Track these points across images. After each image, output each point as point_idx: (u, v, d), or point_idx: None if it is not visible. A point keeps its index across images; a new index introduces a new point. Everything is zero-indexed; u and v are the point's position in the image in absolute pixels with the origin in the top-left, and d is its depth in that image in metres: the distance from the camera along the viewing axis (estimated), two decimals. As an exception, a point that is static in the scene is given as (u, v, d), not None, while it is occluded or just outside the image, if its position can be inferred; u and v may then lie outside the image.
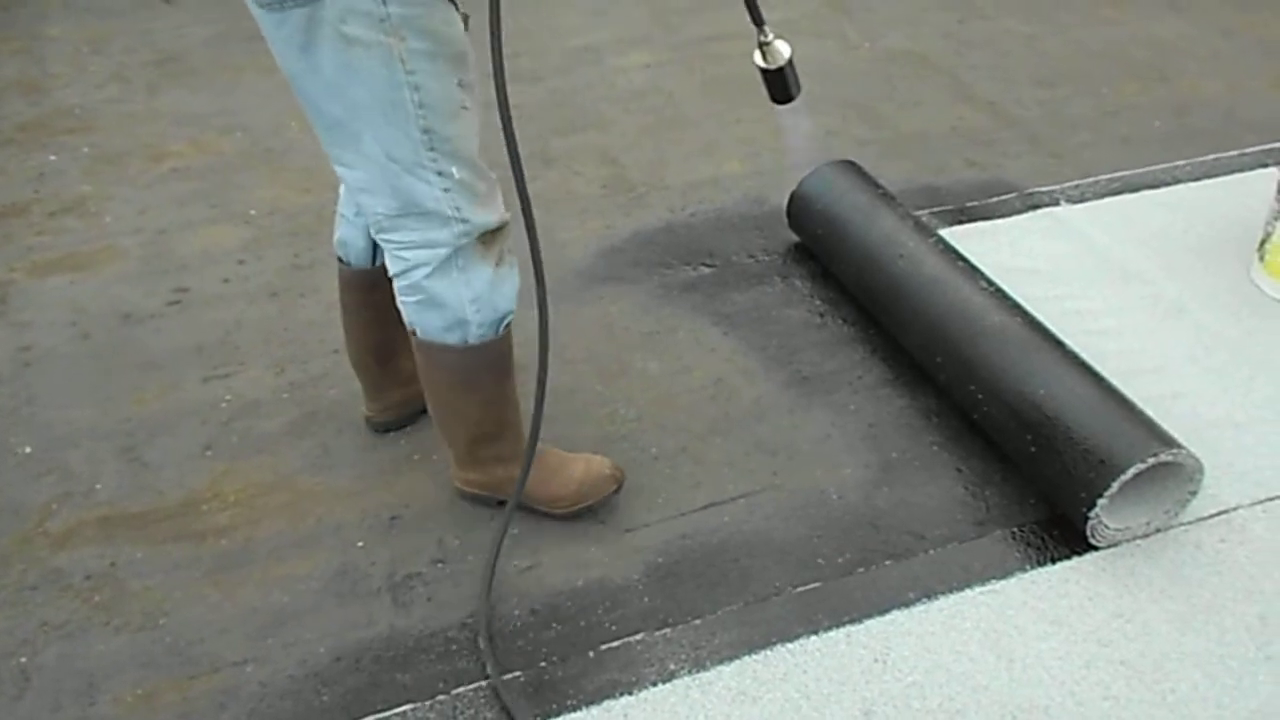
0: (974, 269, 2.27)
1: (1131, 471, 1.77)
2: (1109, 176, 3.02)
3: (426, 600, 1.82)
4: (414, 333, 1.76)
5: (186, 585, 1.86)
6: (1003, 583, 1.82)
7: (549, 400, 2.19)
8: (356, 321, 2.03)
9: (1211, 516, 1.93)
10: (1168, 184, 2.99)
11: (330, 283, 2.60)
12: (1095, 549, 1.87)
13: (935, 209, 2.88)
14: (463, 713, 1.64)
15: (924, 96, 3.56)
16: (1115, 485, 1.77)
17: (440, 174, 1.55)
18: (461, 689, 1.67)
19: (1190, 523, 1.92)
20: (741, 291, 2.57)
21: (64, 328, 2.49)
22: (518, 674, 1.69)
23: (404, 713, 1.64)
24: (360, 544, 1.93)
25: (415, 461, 2.10)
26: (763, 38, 1.77)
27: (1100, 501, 1.78)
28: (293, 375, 2.32)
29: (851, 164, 2.64)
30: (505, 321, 1.74)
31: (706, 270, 2.66)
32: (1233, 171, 3.04)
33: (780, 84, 1.83)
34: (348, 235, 1.90)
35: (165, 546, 1.94)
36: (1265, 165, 2.98)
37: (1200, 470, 1.83)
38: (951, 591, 1.81)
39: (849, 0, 4.31)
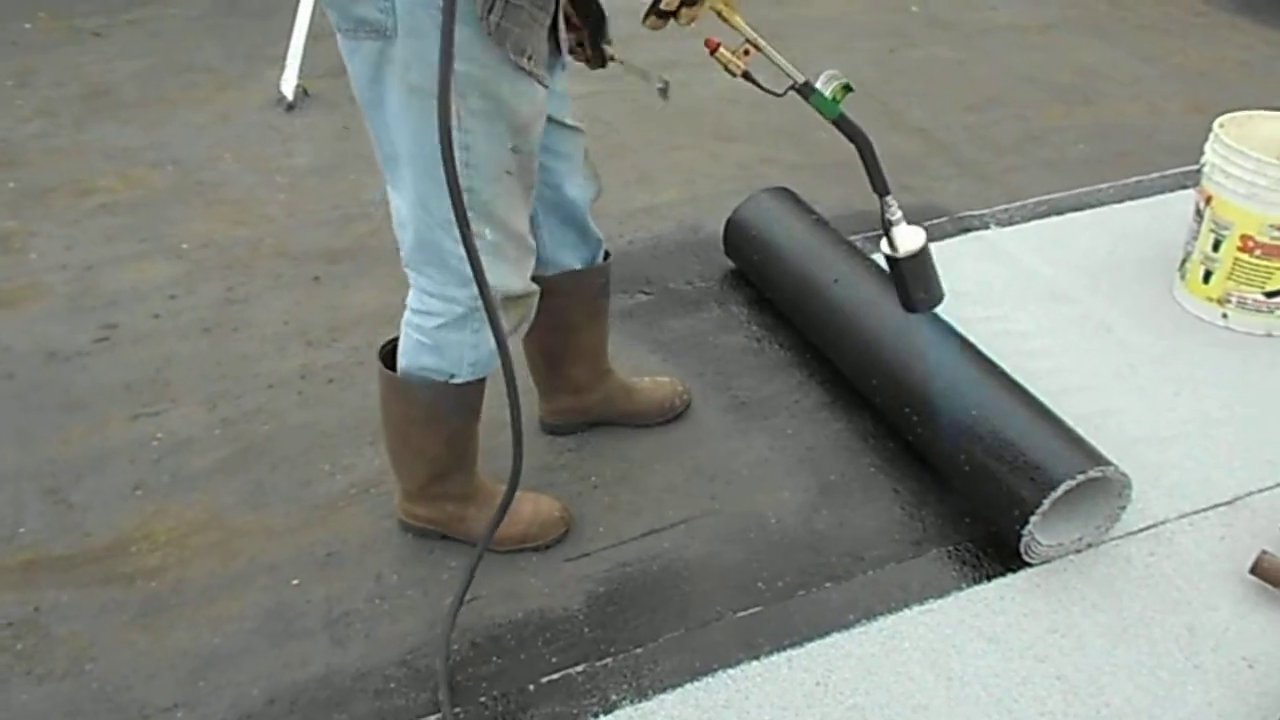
0: None
1: (1062, 488, 1.80)
2: (1036, 199, 3.10)
3: (364, 637, 1.79)
4: (393, 359, 1.75)
5: (114, 629, 1.81)
6: (940, 601, 1.84)
7: (486, 431, 2.18)
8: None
9: (1140, 531, 1.97)
10: (1092, 206, 3.07)
11: (264, 316, 2.58)
12: (1029, 565, 1.89)
13: (869, 233, 2.92)
14: (401, 751, 1.61)
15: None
16: (1047, 502, 1.80)
17: (473, 233, 1.52)
18: (400, 727, 1.65)
19: (1120, 537, 1.95)
20: (679, 318, 2.58)
21: (-14, 367, 2.43)
22: (458, 710, 1.66)
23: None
24: (295, 582, 1.89)
25: (352, 496, 2.07)
26: (888, 214, 1.62)
27: (1033, 518, 1.81)
28: (225, 411, 2.28)
29: (786, 191, 2.67)
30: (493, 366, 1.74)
31: (644, 298, 2.67)
32: (1154, 193, 3.13)
33: (914, 280, 1.63)
34: None
35: (92, 590, 1.88)
36: (1184, 187, 3.07)
37: (1128, 485, 1.87)
38: (891, 612, 1.82)
39: (782, 28, 4.37)
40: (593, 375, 2.15)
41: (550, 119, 1.71)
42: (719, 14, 1.48)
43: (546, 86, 1.55)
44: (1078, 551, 1.92)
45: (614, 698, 1.68)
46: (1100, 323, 2.54)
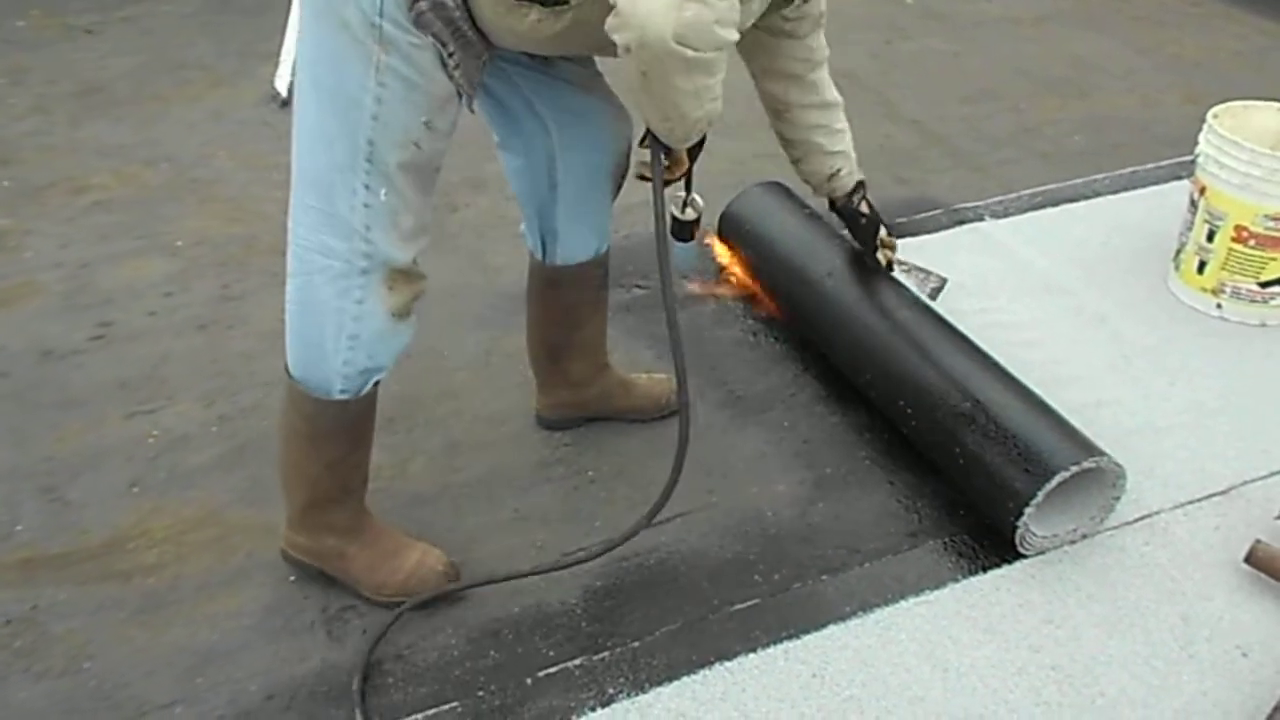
0: (900, 285, 2.30)
1: (1056, 480, 1.80)
2: (1031, 191, 3.10)
3: (361, 633, 1.79)
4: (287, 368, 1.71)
5: (112, 627, 1.81)
6: (936, 593, 1.84)
7: (483, 426, 2.19)
8: (532, 311, 2.07)
9: (1135, 521, 1.98)
10: (1087, 197, 3.07)
11: (260, 313, 2.58)
12: (1024, 557, 1.90)
13: (864, 226, 2.92)
14: (399, 746, 1.62)
15: (851, 115, 3.59)
16: (1041, 494, 1.80)
17: (367, 188, 1.51)
18: (398, 722, 1.65)
19: (1115, 527, 1.96)
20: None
21: (-18, 366, 2.43)
22: (454, 704, 1.67)
23: (340, 748, 1.62)
24: (292, 578, 1.89)
25: (348, 492, 2.07)
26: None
27: (1028, 510, 1.81)
28: (222, 408, 2.28)
29: (779, 185, 2.67)
30: (373, 379, 1.68)
31: (640, 292, 2.67)
32: (1149, 184, 3.14)
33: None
34: (527, 227, 1.98)
35: (89, 587, 1.89)
36: (1179, 178, 3.07)
37: (1123, 476, 1.88)
38: (887, 604, 1.83)
39: (777, 23, 4.38)
40: (592, 370, 2.16)
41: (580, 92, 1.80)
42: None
43: (471, 96, 1.55)
44: (1072, 543, 1.93)
45: (611, 691, 1.68)
46: (1095, 314, 2.55)
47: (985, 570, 1.89)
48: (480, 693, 1.69)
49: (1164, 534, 1.95)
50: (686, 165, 1.68)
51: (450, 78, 1.49)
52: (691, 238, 1.87)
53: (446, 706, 1.67)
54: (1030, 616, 1.80)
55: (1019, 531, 1.84)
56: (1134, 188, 3.12)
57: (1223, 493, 2.04)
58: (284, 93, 3.59)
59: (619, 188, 1.94)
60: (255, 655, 1.76)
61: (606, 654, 1.75)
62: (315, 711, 1.67)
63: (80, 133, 3.43)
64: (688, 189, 1.78)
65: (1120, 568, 1.89)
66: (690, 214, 1.82)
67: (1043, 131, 3.50)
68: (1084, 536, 1.93)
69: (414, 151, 1.52)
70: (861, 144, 3.40)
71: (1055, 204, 3.03)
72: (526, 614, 1.82)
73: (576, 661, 1.73)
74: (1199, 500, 2.02)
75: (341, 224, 1.54)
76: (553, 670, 1.72)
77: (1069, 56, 4.09)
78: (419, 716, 1.65)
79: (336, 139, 1.50)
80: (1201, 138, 2.48)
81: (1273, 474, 2.08)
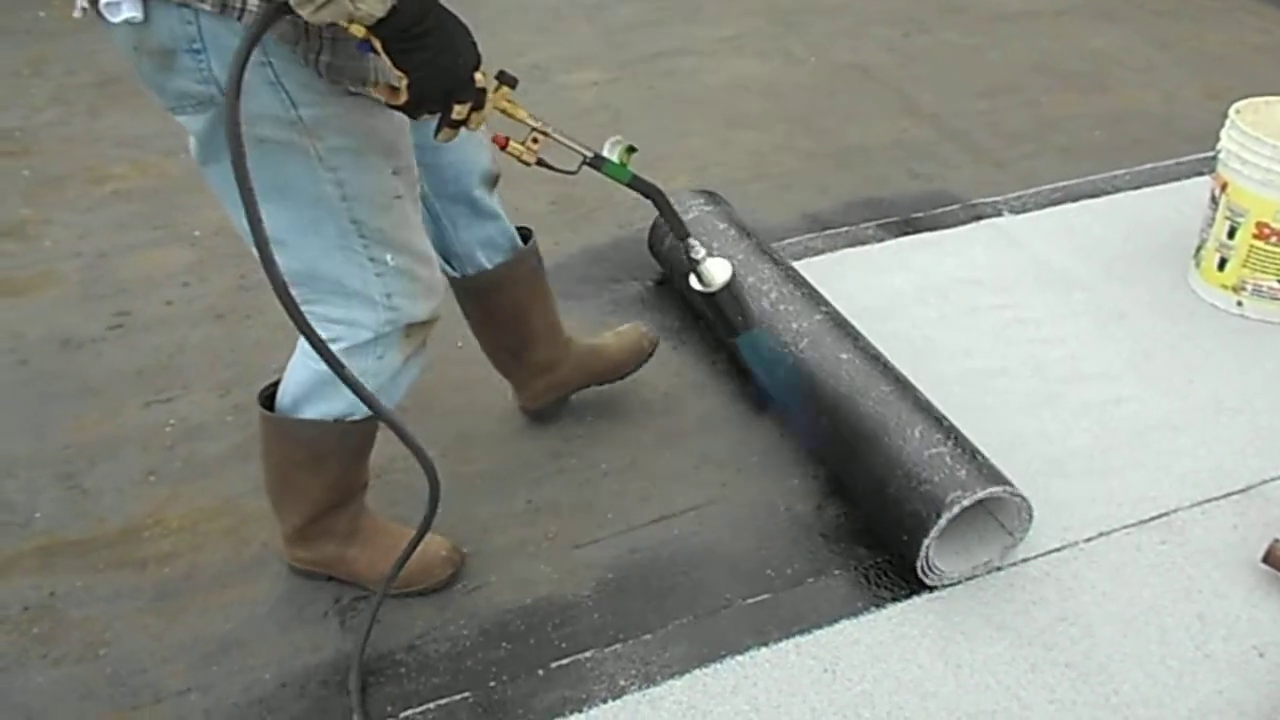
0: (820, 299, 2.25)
1: (944, 519, 1.73)
2: (1050, 186, 3.08)
3: (375, 623, 1.80)
4: (276, 399, 1.68)
5: (128, 614, 1.83)
6: (950, 589, 1.84)
7: (497, 419, 2.19)
8: (474, 326, 2.07)
9: (1152, 519, 1.96)
10: (1107, 193, 3.05)
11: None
12: (1041, 555, 1.89)
13: (880, 221, 2.91)
14: (411, 736, 1.62)
15: (868, 109, 3.61)
16: (934, 531, 1.74)
17: (373, 260, 1.51)
18: (410, 711, 1.66)
19: (1131, 525, 1.95)
20: (687, 305, 2.57)
21: (1, 355, 2.44)
22: (466, 694, 1.67)
23: (352, 737, 1.63)
24: (306, 568, 1.91)
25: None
26: (693, 254, 1.61)
27: (926, 542, 1.75)
28: (238, 398, 2.29)
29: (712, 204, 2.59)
30: None
31: (653, 285, 2.67)
32: (1169, 180, 3.11)
33: (730, 307, 1.64)
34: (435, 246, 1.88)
35: (106, 575, 1.90)
36: (1200, 173, 3.04)
37: (1025, 509, 1.81)
38: (900, 599, 1.82)
39: (793, 16, 4.36)
40: (556, 351, 2.14)
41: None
42: (504, 112, 1.46)
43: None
44: (991, 571, 1.86)
45: (622, 683, 1.69)
46: (1114, 310, 2.53)
47: (1000, 567, 1.88)
48: (491, 683, 1.69)
49: (1181, 532, 1.94)
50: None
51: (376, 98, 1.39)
52: (743, 319, 1.65)
53: (458, 697, 1.67)
54: (1044, 614, 1.79)
55: (923, 564, 1.79)
56: (1154, 183, 3.09)
57: (1241, 491, 2.02)
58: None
59: (494, 185, 1.92)
60: (269, 644, 1.77)
61: (618, 646, 1.75)
62: (327, 700, 1.68)
63: (100, 123, 3.45)
64: (681, 239, 1.60)
65: (1136, 566, 1.87)
66: (713, 275, 1.61)
67: (1062, 126, 3.47)
68: (997, 569, 1.87)
69: (398, 203, 1.51)
70: (878, 138, 3.42)
71: (1074, 200, 3.01)
72: (539, 605, 1.83)
73: (588, 653, 1.74)
74: (1217, 499, 2.00)
75: (361, 299, 1.54)
76: (564, 662, 1.72)
77: (1089, 50, 4.06)
78: (431, 706, 1.66)
79: (322, 225, 1.47)
80: (1223, 133, 2.46)
81: (1292, 473, 2.06)
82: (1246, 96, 2.52)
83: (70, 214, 2.97)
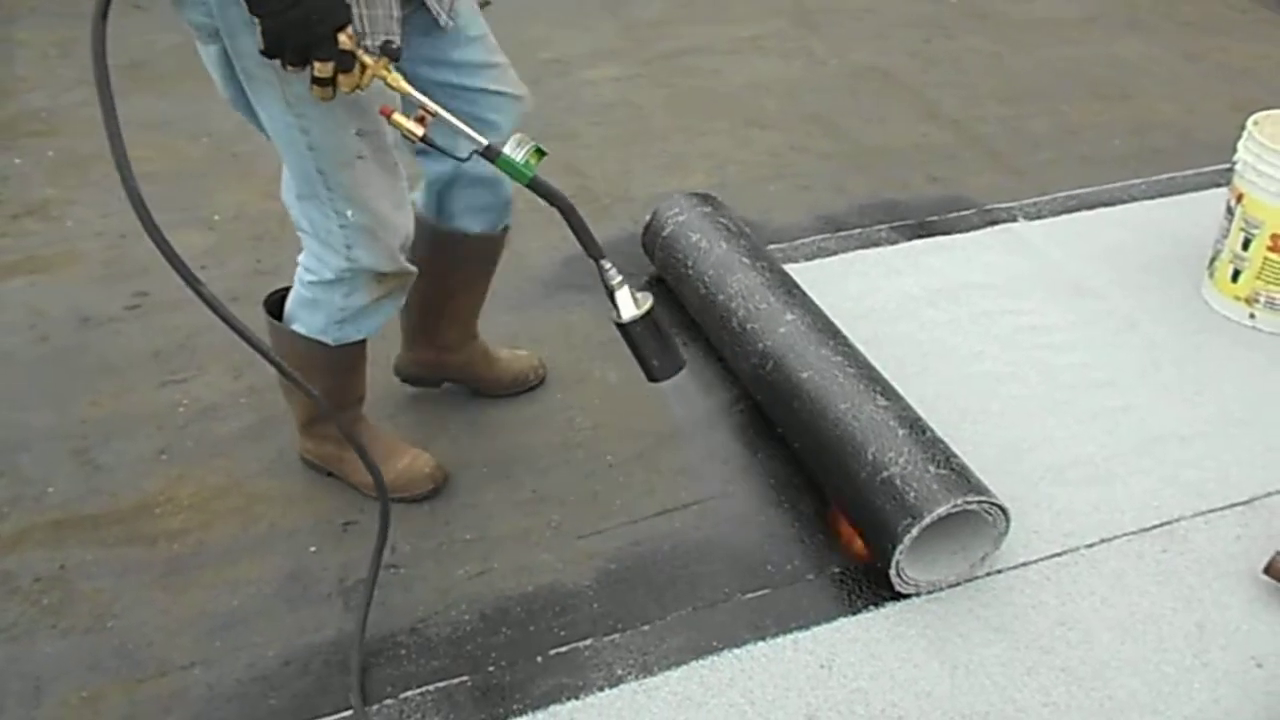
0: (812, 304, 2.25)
1: (916, 530, 1.73)
2: (1067, 194, 3.07)
3: (378, 605, 1.82)
4: (279, 307, 1.86)
5: (136, 588, 1.86)
6: (949, 590, 1.84)
7: (506, 407, 2.21)
8: (419, 267, 2.02)
9: (1155, 527, 1.96)
10: (1124, 202, 3.04)
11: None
12: (1041, 559, 1.89)
13: (895, 223, 2.91)
14: (410, 716, 1.64)
15: (888, 112, 3.60)
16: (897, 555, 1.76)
17: (336, 212, 1.62)
18: (409, 693, 1.68)
19: (1134, 533, 1.95)
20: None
21: (22, 330, 2.48)
22: (464, 678, 1.69)
23: (350, 717, 1.64)
24: (313, 549, 1.93)
25: (371, 467, 2.10)
26: (607, 280, 1.50)
27: (900, 547, 1.74)
28: (251, 380, 2.32)
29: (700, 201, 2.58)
30: (363, 338, 1.84)
31: (656, 282, 2.68)
32: (1188, 191, 3.10)
33: (645, 346, 1.52)
34: (425, 190, 1.98)
35: (116, 550, 1.93)
36: (1219, 185, 3.02)
37: (999, 519, 1.80)
38: (899, 599, 1.83)
39: (817, 17, 4.36)
40: (461, 338, 2.18)
41: (470, 87, 1.73)
42: (385, 83, 1.41)
43: (395, 57, 1.42)
44: (969, 580, 1.86)
45: (620, 672, 1.70)
46: (1126, 319, 2.52)
47: (1001, 571, 1.88)
48: (490, 668, 1.71)
49: (1183, 541, 1.94)
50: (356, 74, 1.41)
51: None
52: (671, 363, 1.54)
53: (457, 680, 1.69)
54: (1043, 618, 1.79)
55: (893, 570, 1.79)
56: (1172, 194, 3.08)
57: (1246, 503, 2.01)
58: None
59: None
60: (274, 622, 1.79)
61: (616, 636, 1.76)
62: (329, 679, 1.70)
63: (125, 106, 3.42)
64: (594, 259, 1.49)
65: (1137, 573, 1.87)
66: (623, 307, 1.50)
67: (1083, 134, 3.46)
68: (973, 576, 1.87)
69: (361, 163, 1.59)
70: (897, 141, 3.42)
71: (1090, 207, 3.00)
72: (540, 593, 1.85)
73: (586, 642, 1.75)
74: (1221, 509, 2.00)
75: (325, 245, 1.68)
76: (563, 649, 1.74)
77: (1113, 59, 4.04)
78: (430, 689, 1.68)
79: (296, 173, 1.61)
80: (1240, 145, 2.45)
81: (1298, 486, 2.06)
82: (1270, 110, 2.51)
83: (93, 194, 3.00)
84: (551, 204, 1.47)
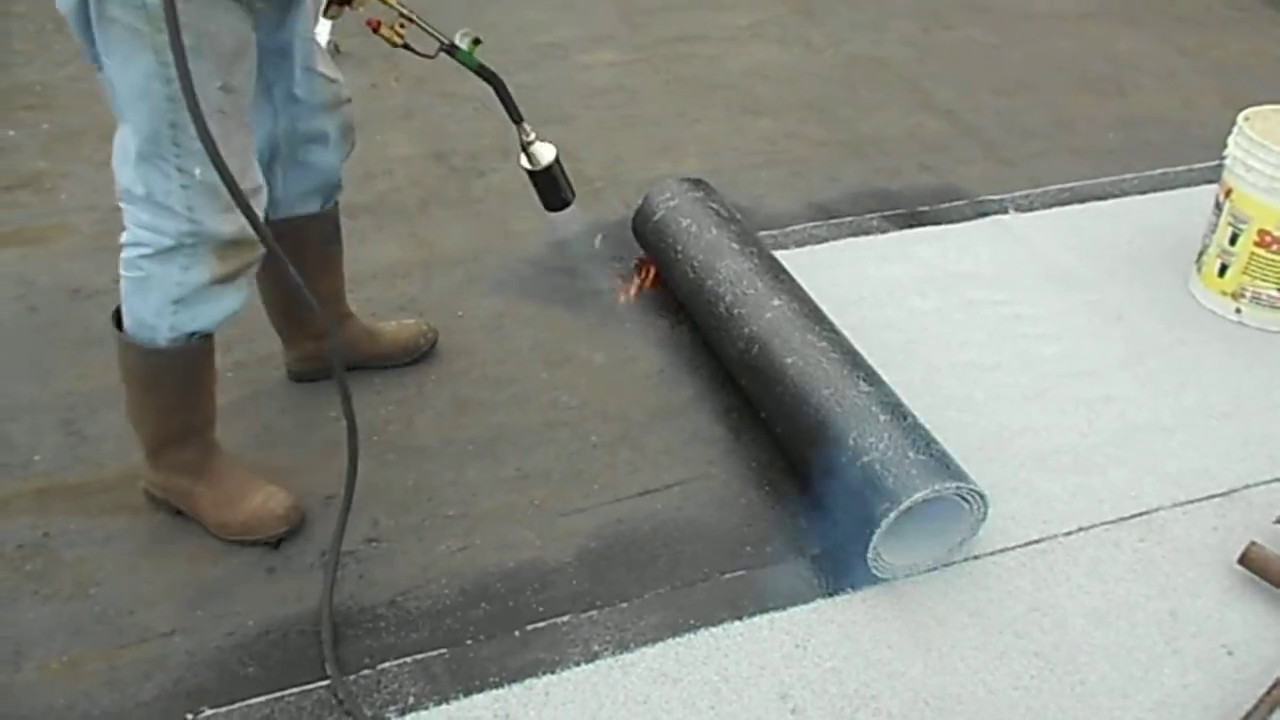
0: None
1: (894, 514, 1.73)
2: (1059, 186, 3.08)
3: (358, 578, 1.84)
4: (119, 320, 1.77)
5: (119, 557, 1.87)
6: (926, 575, 1.86)
7: (492, 386, 2.22)
8: (259, 271, 1.97)
9: (1132, 517, 1.98)
10: (1115, 196, 3.05)
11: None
12: (1018, 546, 1.90)
13: (887, 212, 2.92)
14: (386, 687, 1.65)
15: (884, 101, 3.61)
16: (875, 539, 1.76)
17: (180, 170, 1.56)
18: (387, 664, 1.69)
19: (1111, 522, 1.96)
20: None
21: (11, 301, 2.49)
22: (443, 651, 1.71)
23: (328, 685, 1.66)
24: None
25: (356, 442, 2.11)
26: (524, 137, 1.84)
27: (877, 532, 1.75)
28: (238, 355, 2.33)
29: (693, 186, 2.59)
30: (198, 336, 1.76)
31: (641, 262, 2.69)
32: (1179, 186, 3.11)
33: (550, 188, 1.91)
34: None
35: (101, 519, 1.94)
36: (1211, 181, 3.03)
37: (976, 503, 1.81)
38: (876, 582, 1.84)
39: (816, 5, 4.36)
40: (332, 321, 2.11)
41: (305, 66, 1.80)
42: None
43: (254, 12, 1.57)
44: (946, 565, 1.87)
45: (596, 648, 1.72)
46: (1112, 311, 2.54)
47: (978, 556, 1.89)
48: (469, 641, 1.73)
49: (1160, 531, 1.95)
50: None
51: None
52: (561, 201, 1.93)
53: (434, 653, 1.71)
54: (1017, 603, 1.81)
55: (869, 557, 1.80)
56: (1164, 189, 3.09)
57: (1224, 494, 2.03)
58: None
59: (348, 153, 2.00)
60: (254, 592, 1.81)
61: (594, 612, 1.78)
62: (306, 649, 1.71)
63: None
64: (516, 123, 1.84)
65: (1113, 561, 1.89)
66: (539, 155, 1.87)
67: (1077, 128, 3.47)
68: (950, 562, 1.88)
69: (221, 118, 1.54)
70: (891, 130, 3.43)
71: (1082, 201, 3.01)
72: (521, 569, 1.86)
73: (564, 618, 1.77)
74: (1199, 500, 2.02)
75: (162, 209, 1.61)
76: (541, 625, 1.76)
77: (1110, 54, 4.04)
78: (408, 660, 1.69)
79: (141, 131, 1.55)
80: (1230, 139, 2.46)
81: (1276, 479, 2.06)
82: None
83: (86, 168, 3.01)
84: (490, 84, 1.78)
